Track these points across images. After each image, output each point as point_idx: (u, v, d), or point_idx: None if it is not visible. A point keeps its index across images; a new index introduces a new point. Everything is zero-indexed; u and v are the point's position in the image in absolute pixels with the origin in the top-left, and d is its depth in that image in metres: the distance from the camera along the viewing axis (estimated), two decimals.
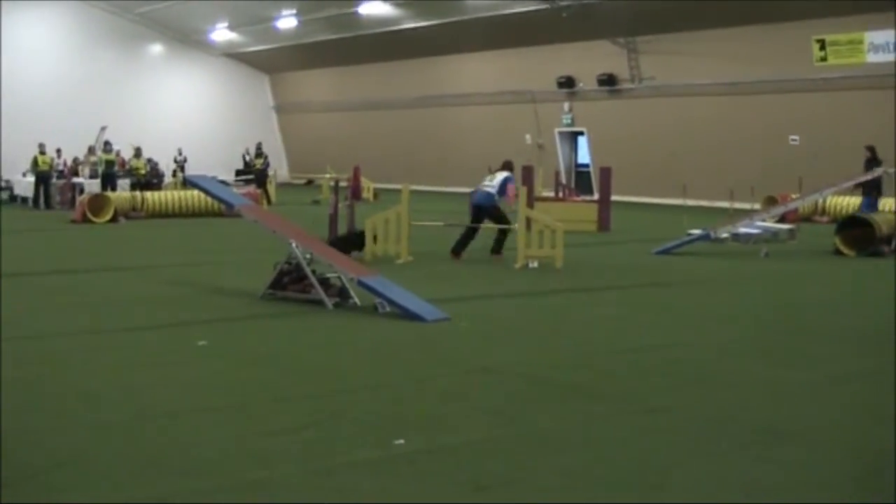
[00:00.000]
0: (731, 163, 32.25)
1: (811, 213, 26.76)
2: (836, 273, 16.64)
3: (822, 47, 30.58)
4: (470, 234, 17.51)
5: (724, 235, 19.51)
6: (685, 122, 34.44)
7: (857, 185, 23.01)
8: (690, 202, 28.31)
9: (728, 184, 27.00)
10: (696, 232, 19.58)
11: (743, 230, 19.81)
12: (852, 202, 25.33)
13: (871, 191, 23.85)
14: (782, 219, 23.19)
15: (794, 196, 24.40)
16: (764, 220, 21.26)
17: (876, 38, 29.28)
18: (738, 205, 25.87)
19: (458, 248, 17.41)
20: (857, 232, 18.93)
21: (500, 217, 17.30)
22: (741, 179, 28.87)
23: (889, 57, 28.94)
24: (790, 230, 21.24)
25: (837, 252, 18.70)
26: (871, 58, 29.46)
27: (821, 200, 25.27)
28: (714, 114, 33.50)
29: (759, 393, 8.16)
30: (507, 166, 17.90)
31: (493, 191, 17.26)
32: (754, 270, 16.65)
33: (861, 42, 29.66)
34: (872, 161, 24.17)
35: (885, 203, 24.13)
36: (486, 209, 17.32)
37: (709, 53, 32.99)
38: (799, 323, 11.68)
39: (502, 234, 17.35)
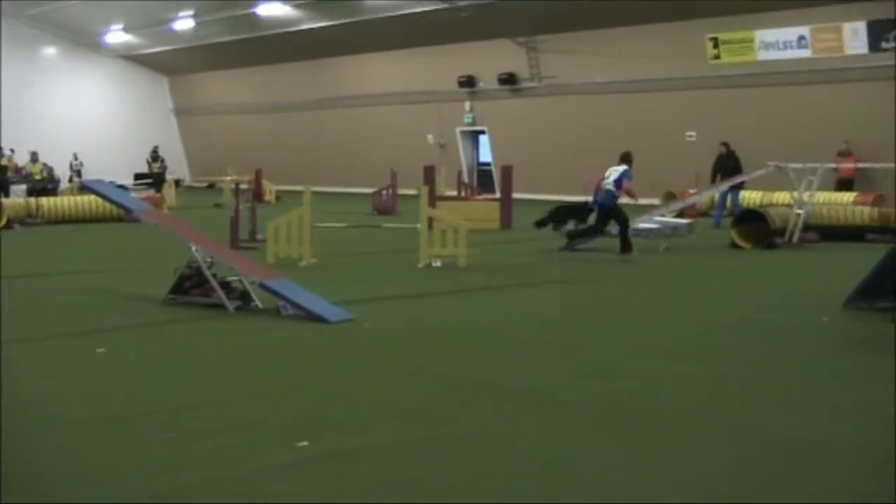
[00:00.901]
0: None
1: (709, 207, 27.24)
2: (734, 265, 17.02)
3: (716, 45, 31.21)
4: (591, 232, 17.91)
5: None
6: (585, 119, 34.85)
7: (723, 180, 23.43)
8: (591, 198, 28.61)
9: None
10: None
11: (643, 226, 20.10)
12: (748, 197, 25.86)
13: (736, 186, 24.24)
14: (681, 214, 23.61)
15: (692, 191, 24.84)
16: (663, 216, 21.61)
17: (766, 37, 30.01)
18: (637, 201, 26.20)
19: (575, 239, 17.86)
20: (752, 226, 19.40)
21: (620, 217, 17.58)
22: (640, 176, 29.17)
23: (778, 55, 29.71)
24: (689, 225, 21.59)
25: (734, 245, 19.13)
26: (763, 55, 30.19)
27: (718, 195, 25.73)
28: (613, 111, 33.95)
29: (667, 385, 8.32)
30: (624, 159, 18.11)
31: (612, 188, 17.53)
32: (655, 265, 16.95)
33: (752, 40, 30.37)
34: (728, 156, 24.69)
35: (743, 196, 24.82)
36: (607, 209, 17.58)
37: (608, 52, 33.43)
38: (703, 315, 11.90)
39: (623, 233, 17.56)
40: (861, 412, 7.54)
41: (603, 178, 17.86)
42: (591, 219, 18.75)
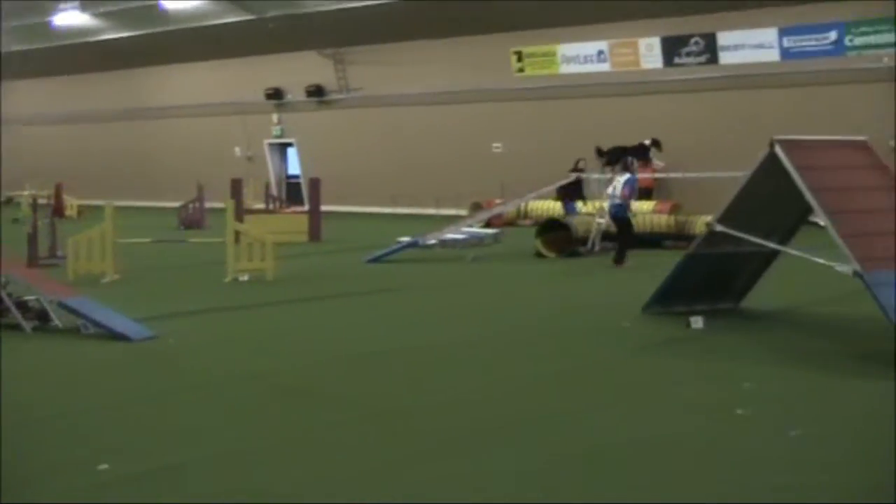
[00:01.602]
0: (439, 171, 32.99)
1: (515, 217, 27.78)
2: (538, 273, 17.42)
3: (520, 59, 31.90)
4: (629, 242, 18.03)
5: (433, 242, 19.99)
6: (394, 131, 35.03)
7: (559, 190, 24.07)
8: (400, 210, 28.85)
9: (435, 191, 27.68)
10: (406, 239, 19.95)
11: (450, 236, 20.35)
12: (553, 206, 26.50)
13: (573, 196, 24.96)
14: (488, 224, 24.01)
15: (498, 201, 25.28)
16: (471, 226, 21.94)
17: (567, 51, 30.88)
18: (445, 211, 26.57)
19: (621, 261, 17.77)
20: (556, 234, 19.89)
21: (623, 227, 18.04)
22: (448, 187, 29.74)
23: (579, 68, 30.64)
24: (495, 234, 21.96)
25: (539, 254, 19.56)
26: (564, 69, 31.05)
27: (523, 204, 26.30)
28: (421, 123, 34.23)
29: (475, 390, 8.47)
30: (627, 168, 18.44)
31: (618, 201, 17.88)
32: (464, 273, 17.19)
33: (555, 54, 31.19)
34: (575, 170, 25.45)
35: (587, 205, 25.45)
36: (622, 220, 18.05)
37: (415, 64, 33.68)
38: (508, 323, 12.11)
39: (621, 245, 17.95)
40: (660, 410, 7.82)
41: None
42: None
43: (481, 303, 13.93)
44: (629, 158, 18.97)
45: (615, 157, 18.37)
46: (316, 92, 36.86)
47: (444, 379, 9.04)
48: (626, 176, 18.26)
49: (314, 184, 24.89)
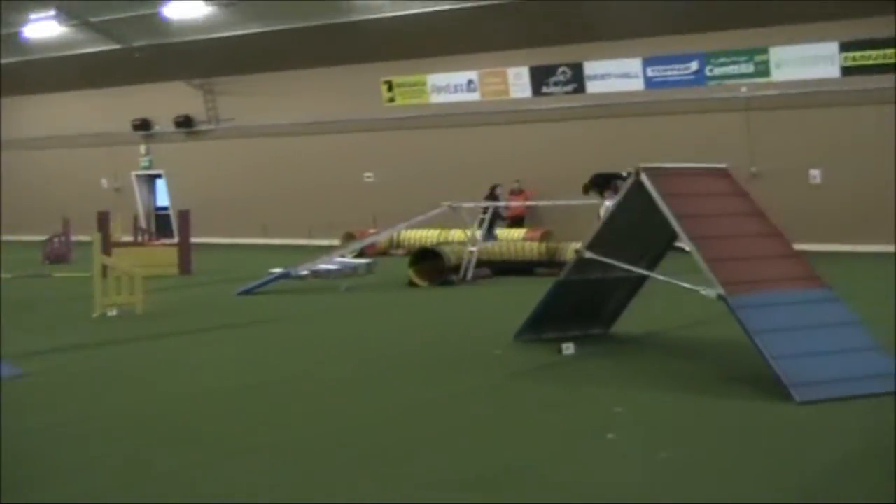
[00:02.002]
0: (311, 201, 32.87)
1: (388, 246, 27.80)
2: (411, 303, 17.44)
3: (390, 88, 32.05)
4: None
5: (305, 273, 19.88)
6: (265, 161, 34.75)
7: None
8: (272, 241, 28.63)
9: (308, 221, 27.56)
10: (278, 270, 19.78)
11: (323, 267, 20.28)
12: (426, 235, 26.58)
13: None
14: (362, 253, 23.98)
15: (371, 231, 25.27)
16: (343, 256, 21.88)
17: (437, 81, 31.14)
18: (317, 242, 26.46)
19: None
20: (428, 264, 19.95)
21: None
22: (320, 217, 29.65)
23: (449, 98, 30.92)
24: (368, 264, 22.01)
25: (412, 283, 19.58)
26: (435, 98, 31.29)
27: (396, 234, 26.33)
28: (292, 153, 34.04)
29: (357, 420, 8.44)
30: (616, 190, 18.50)
31: None
32: (335, 304, 17.11)
33: (424, 84, 31.43)
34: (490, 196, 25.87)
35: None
36: None
37: (286, 94, 33.53)
38: (379, 352, 12.06)
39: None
40: (530, 437, 7.88)
41: None
42: None
43: (354, 333, 13.87)
44: (617, 182, 19.05)
45: (604, 182, 18.50)
46: (185, 122, 36.40)
47: (315, 411, 8.96)
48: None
49: (184, 215, 24.53)
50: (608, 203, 18.28)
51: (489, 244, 21.54)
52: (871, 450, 7.39)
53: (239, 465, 7.21)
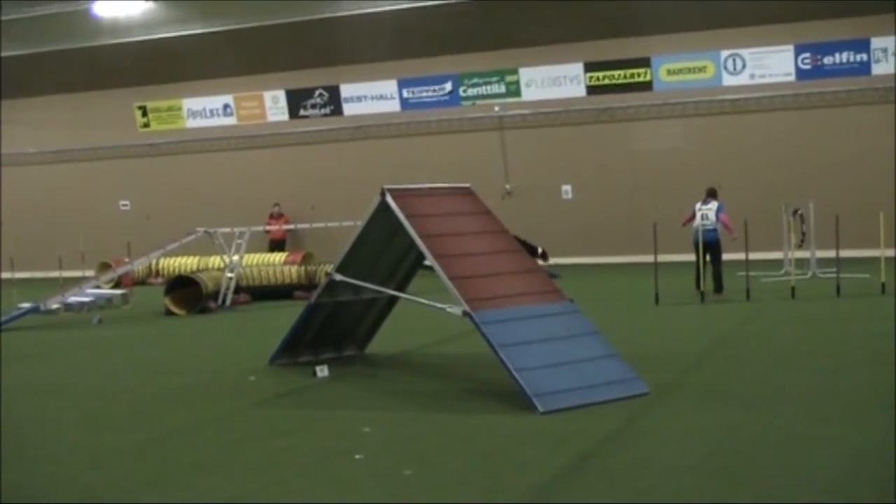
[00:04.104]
0: (62, 231, 31.59)
1: (146, 275, 27.11)
2: (167, 333, 17.01)
3: (145, 114, 31.33)
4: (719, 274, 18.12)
5: (56, 306, 19.09)
6: (13, 192, 33.23)
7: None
8: (20, 274, 27.31)
9: (59, 252, 26.46)
10: (26, 305, 18.92)
11: (74, 299, 19.54)
12: (184, 262, 26.05)
13: None
14: (118, 284, 23.26)
15: (126, 260, 24.53)
16: (98, 287, 21.16)
17: (193, 105, 30.68)
18: (70, 273, 25.46)
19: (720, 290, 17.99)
20: (186, 291, 19.55)
21: (719, 253, 18.13)
22: (73, 247, 28.54)
23: (206, 122, 30.53)
24: (123, 295, 21.39)
25: (169, 312, 19.14)
26: (191, 123, 30.78)
27: (153, 262, 25.71)
28: (42, 183, 32.68)
29: (98, 452, 8.22)
30: (712, 195, 18.43)
31: (713, 225, 17.97)
32: (86, 339, 16.49)
33: (180, 108, 30.90)
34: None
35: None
36: (710, 245, 17.94)
37: (36, 122, 32.23)
38: (131, 386, 11.67)
39: (718, 271, 18.06)
40: (277, 462, 7.80)
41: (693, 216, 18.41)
42: None
43: (101, 368, 13.37)
44: (714, 188, 18.94)
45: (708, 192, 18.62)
46: None
47: (57, 448, 8.57)
48: (716, 203, 18.34)
49: None
50: (711, 207, 18.44)
51: None
52: (607, 450, 7.70)
53: None
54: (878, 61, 24.90)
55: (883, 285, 17.16)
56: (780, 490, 6.55)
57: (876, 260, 17.76)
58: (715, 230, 18.15)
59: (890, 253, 18.15)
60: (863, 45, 24.99)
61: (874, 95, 24.93)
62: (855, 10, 24.45)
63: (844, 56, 25.17)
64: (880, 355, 11.29)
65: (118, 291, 21.59)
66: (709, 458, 7.39)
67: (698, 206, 18.44)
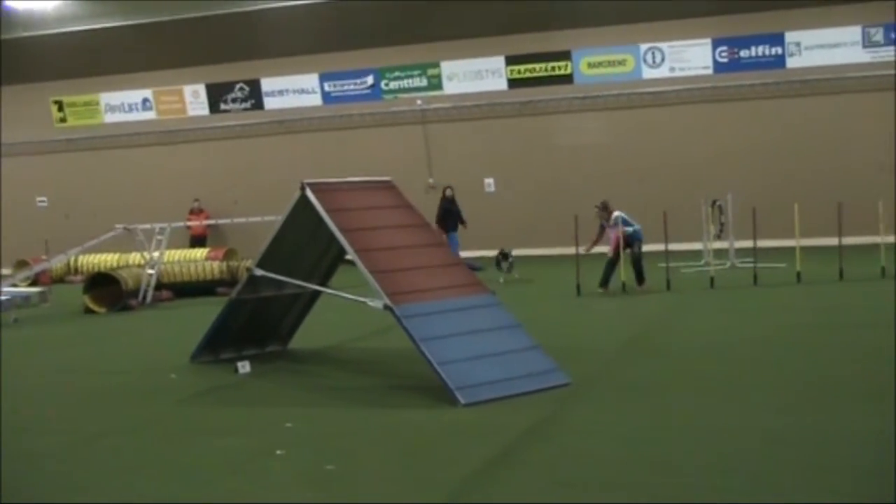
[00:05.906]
0: None
1: (65, 273, 26.66)
2: (87, 331, 16.73)
3: (61, 108, 30.82)
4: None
5: None
6: None
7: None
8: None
9: None
10: None
11: None
12: (104, 260, 25.66)
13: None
14: (35, 282, 22.86)
15: (44, 257, 24.13)
16: (15, 285, 20.79)
17: (111, 100, 30.27)
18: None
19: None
20: (106, 289, 19.26)
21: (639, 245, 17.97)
22: None
23: (125, 117, 30.13)
24: (42, 293, 21.02)
25: (88, 310, 18.85)
26: (109, 118, 30.35)
27: (72, 260, 25.30)
28: None
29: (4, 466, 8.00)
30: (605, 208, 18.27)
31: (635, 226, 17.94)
32: (7, 338, 16.15)
33: (98, 103, 30.46)
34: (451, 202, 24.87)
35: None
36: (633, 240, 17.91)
37: None
38: (48, 388, 11.53)
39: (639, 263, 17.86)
40: (197, 463, 7.74)
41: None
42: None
43: (19, 370, 13.01)
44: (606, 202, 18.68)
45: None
46: None
47: None
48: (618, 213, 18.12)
49: None
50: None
51: None
52: (529, 442, 7.76)
53: None
54: (791, 55, 25.36)
55: (798, 274, 17.49)
56: (702, 479, 6.65)
57: (791, 249, 18.10)
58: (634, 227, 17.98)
59: (805, 242, 18.45)
60: (777, 39, 25.43)
61: (789, 88, 25.38)
62: (770, 5, 24.89)
63: (760, 49, 25.59)
64: (798, 343, 11.52)
65: (36, 289, 21.20)
66: (631, 448, 7.47)
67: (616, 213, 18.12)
